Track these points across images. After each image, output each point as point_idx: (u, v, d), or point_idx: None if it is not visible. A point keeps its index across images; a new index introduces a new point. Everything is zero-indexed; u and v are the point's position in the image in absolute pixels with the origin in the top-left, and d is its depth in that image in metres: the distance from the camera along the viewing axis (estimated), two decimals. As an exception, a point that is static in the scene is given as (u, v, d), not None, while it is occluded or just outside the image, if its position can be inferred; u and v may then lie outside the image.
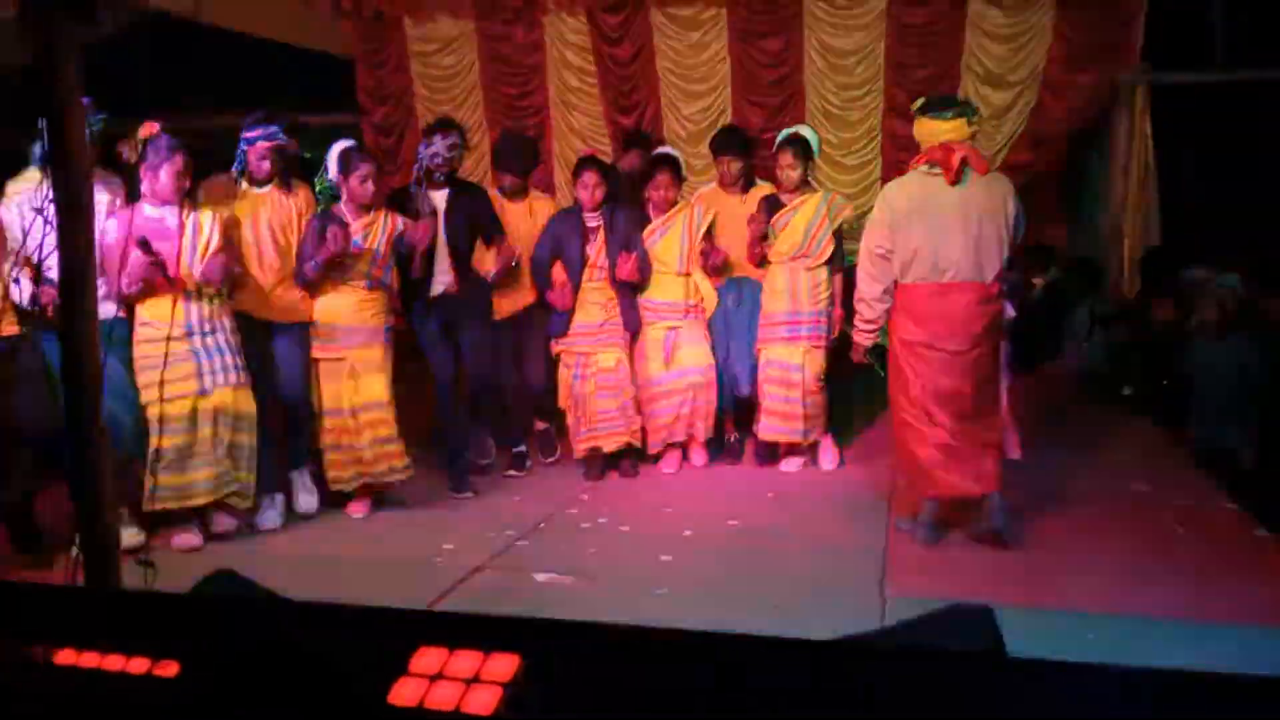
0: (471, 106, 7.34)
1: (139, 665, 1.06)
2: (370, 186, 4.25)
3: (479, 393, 4.86)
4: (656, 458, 4.98)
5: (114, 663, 1.07)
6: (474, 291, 4.64)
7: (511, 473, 4.94)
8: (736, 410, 5.12)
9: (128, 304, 3.80)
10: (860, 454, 5.11)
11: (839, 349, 4.68)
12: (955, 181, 3.70)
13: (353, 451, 4.25)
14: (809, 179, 4.86)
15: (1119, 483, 4.53)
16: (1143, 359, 6.06)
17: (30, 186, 3.56)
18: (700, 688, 0.96)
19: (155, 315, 3.82)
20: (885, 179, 6.73)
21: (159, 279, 3.76)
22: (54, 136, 2.07)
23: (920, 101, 3.92)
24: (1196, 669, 0.93)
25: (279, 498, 4.26)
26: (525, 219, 4.91)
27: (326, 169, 4.47)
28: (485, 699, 0.96)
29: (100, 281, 3.56)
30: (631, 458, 4.90)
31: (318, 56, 7.58)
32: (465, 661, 1.00)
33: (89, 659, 1.08)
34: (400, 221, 4.35)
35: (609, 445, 4.81)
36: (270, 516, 4.19)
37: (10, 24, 2.18)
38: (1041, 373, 6.97)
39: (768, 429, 4.86)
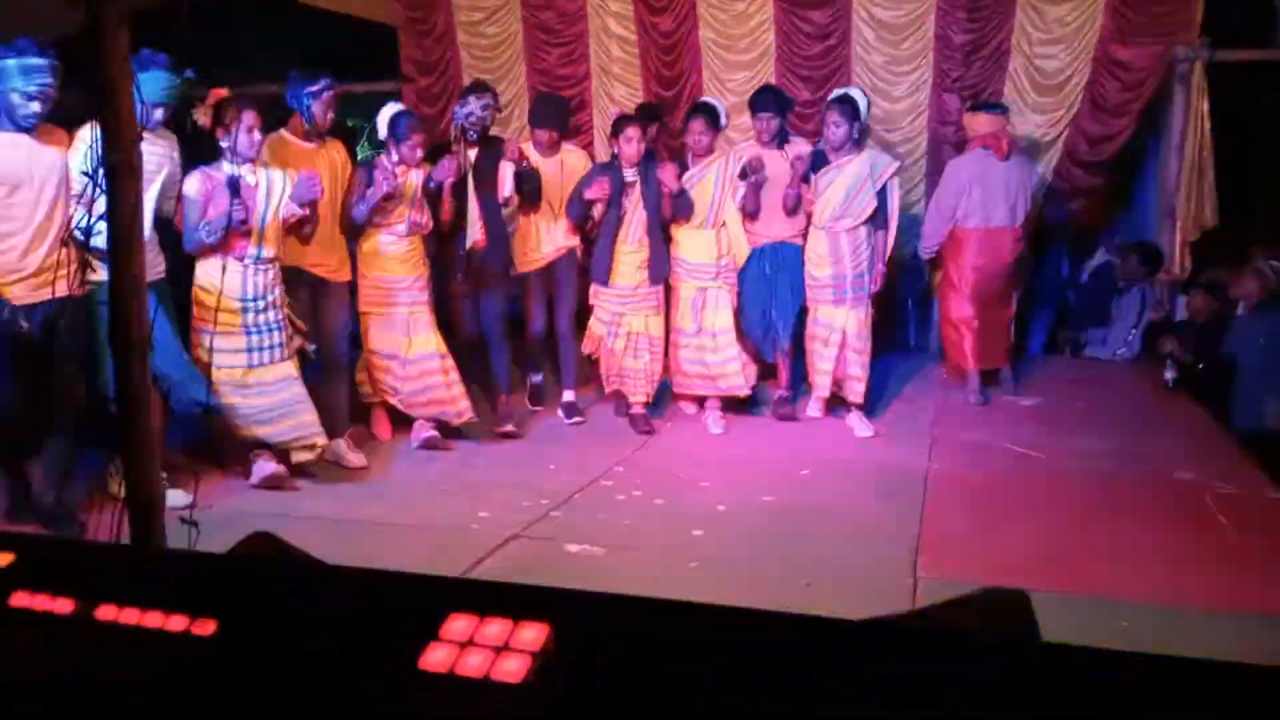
0: (514, 78, 7.32)
1: (178, 623, 1.08)
2: (419, 154, 4.71)
3: (491, 344, 5.17)
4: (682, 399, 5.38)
5: (153, 619, 1.09)
6: (498, 248, 5.04)
7: (531, 406, 5.44)
8: (764, 367, 5.42)
9: (198, 257, 4.11)
10: (897, 434, 5.08)
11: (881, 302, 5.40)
12: (1005, 158, 5.49)
13: (398, 389, 4.76)
14: (855, 139, 5.03)
15: (1162, 470, 4.45)
16: (1184, 342, 5.93)
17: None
18: (729, 663, 0.96)
19: (213, 283, 3.97)
20: (930, 154, 6.64)
21: (235, 232, 4.02)
22: (103, 103, 2.10)
23: (971, 103, 5.93)
24: (1235, 660, 0.92)
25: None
26: (557, 172, 5.19)
27: (372, 131, 4.95)
28: (515, 667, 0.96)
29: (152, 241, 3.78)
30: (647, 415, 5.23)
31: (361, 24, 7.58)
32: (495, 629, 1.01)
33: (129, 615, 1.10)
34: (429, 168, 4.73)
35: (630, 395, 5.17)
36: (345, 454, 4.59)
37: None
38: (1086, 357, 6.87)
39: (818, 385, 5.21)
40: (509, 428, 5.00)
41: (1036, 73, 6.43)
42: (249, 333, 4.12)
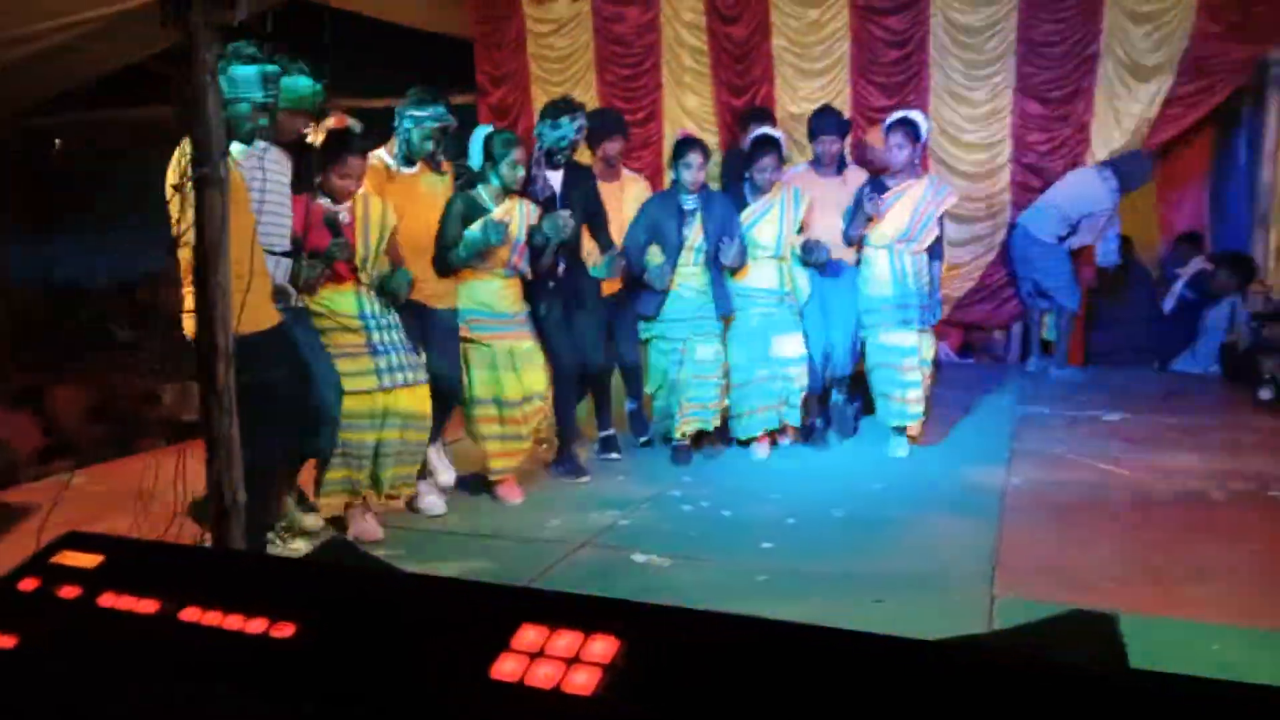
0: (584, 88, 7.39)
1: (257, 625, 1.10)
2: (520, 172, 4.17)
3: (592, 377, 4.85)
4: (747, 443, 4.92)
5: (234, 622, 1.12)
6: (585, 277, 4.65)
7: (612, 455, 4.94)
8: (823, 392, 5.13)
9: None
10: (974, 448, 4.96)
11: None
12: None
13: (518, 442, 4.28)
14: (915, 163, 4.90)
15: (1256, 488, 4.26)
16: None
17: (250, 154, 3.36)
18: (803, 682, 0.94)
19: (327, 306, 3.67)
20: (1016, 161, 6.50)
21: (343, 265, 3.65)
22: (192, 117, 2.17)
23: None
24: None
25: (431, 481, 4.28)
26: (615, 196, 4.88)
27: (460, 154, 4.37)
28: (585, 680, 0.96)
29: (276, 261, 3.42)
30: (714, 438, 5.00)
31: (434, 38, 7.73)
32: (566, 641, 1.01)
33: (211, 617, 1.13)
34: (536, 210, 4.27)
35: (691, 428, 4.80)
36: (432, 501, 4.16)
37: (155, 11, 2.29)
38: (1174, 371, 6.64)
39: (889, 413, 4.88)
40: (584, 479, 4.59)
41: (1128, 72, 6.25)
42: (375, 353, 3.70)
